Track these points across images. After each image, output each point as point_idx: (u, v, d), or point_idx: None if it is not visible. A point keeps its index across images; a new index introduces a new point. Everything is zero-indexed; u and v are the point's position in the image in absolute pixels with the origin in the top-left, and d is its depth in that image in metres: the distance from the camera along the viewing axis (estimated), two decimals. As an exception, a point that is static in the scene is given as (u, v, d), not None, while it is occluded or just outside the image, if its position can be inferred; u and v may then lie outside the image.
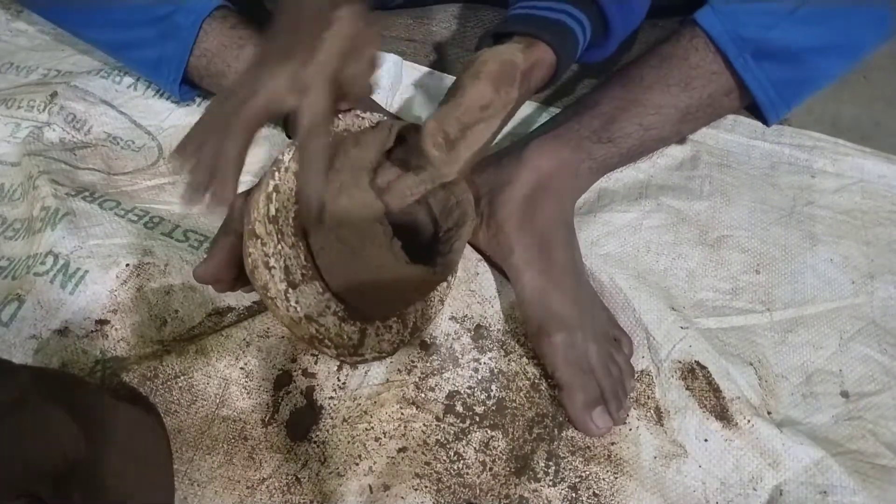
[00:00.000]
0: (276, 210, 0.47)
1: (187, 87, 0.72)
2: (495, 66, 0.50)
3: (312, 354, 0.57)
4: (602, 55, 0.63)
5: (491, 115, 0.49)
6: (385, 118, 0.56)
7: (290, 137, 0.53)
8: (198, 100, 0.77)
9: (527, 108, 0.78)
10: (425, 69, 0.80)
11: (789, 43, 0.60)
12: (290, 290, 0.46)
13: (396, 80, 0.80)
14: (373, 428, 0.54)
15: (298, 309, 0.47)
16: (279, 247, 0.46)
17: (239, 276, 0.49)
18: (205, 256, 0.49)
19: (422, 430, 0.55)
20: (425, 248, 0.54)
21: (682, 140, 0.74)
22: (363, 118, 0.54)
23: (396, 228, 0.48)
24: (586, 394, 0.54)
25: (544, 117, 0.77)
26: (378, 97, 0.77)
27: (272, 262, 0.45)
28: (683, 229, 0.68)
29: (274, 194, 0.47)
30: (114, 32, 0.69)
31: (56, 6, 0.71)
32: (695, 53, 0.62)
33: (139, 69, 0.75)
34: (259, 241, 0.46)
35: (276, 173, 0.47)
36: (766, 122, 0.66)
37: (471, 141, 0.48)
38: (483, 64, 0.50)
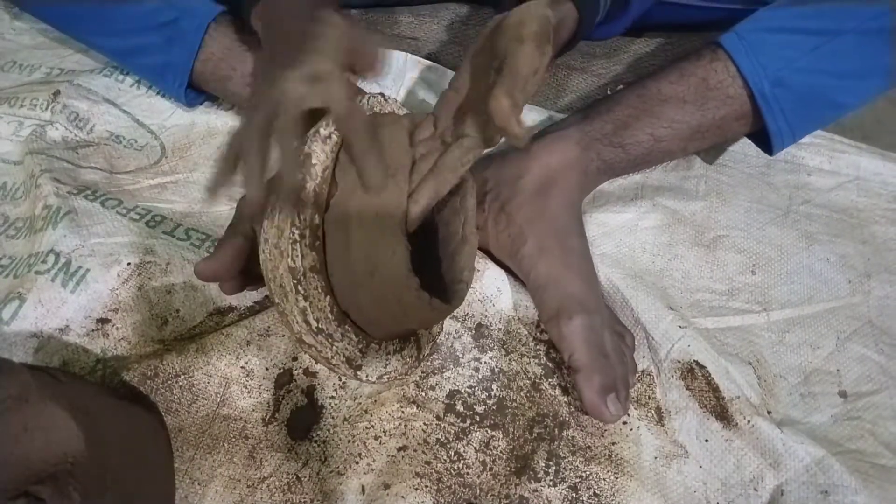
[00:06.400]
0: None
1: (193, 91, 0.72)
2: (535, 27, 0.45)
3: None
4: (612, 32, 0.62)
5: (539, 79, 0.45)
6: (404, 110, 0.55)
7: None
8: (204, 104, 0.77)
9: (532, 114, 0.77)
10: (429, 63, 0.80)
11: (808, 78, 0.61)
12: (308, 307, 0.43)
13: (399, 76, 0.80)
14: (373, 426, 0.55)
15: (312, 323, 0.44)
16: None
17: (241, 279, 0.48)
18: (207, 255, 0.49)
19: (422, 429, 0.55)
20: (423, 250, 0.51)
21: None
22: (388, 102, 0.52)
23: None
24: (603, 377, 0.53)
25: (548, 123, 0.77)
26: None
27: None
28: (679, 230, 0.68)
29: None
30: (119, 39, 0.70)
31: (62, 15, 0.71)
32: (714, 75, 0.62)
33: (145, 75, 0.76)
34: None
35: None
36: (770, 150, 0.67)
37: (522, 106, 0.45)
38: (522, 26, 0.45)
